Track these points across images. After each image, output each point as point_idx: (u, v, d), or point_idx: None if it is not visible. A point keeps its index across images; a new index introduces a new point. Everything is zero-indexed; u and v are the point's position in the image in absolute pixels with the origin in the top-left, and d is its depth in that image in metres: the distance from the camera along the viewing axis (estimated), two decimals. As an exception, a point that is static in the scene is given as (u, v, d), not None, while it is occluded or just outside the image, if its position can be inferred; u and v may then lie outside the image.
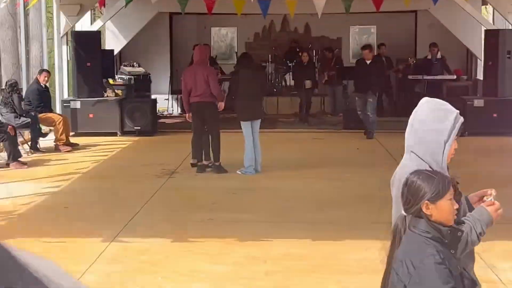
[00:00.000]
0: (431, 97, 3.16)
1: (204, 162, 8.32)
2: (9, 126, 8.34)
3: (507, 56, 10.70)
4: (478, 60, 12.99)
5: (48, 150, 9.53)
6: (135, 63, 13.49)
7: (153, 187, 7.41)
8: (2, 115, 9.15)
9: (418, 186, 1.97)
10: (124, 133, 10.80)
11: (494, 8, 12.74)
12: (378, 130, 10.53)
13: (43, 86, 9.84)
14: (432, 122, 2.27)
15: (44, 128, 10.02)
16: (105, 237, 5.37)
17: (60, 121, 9.49)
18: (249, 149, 8.15)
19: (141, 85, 13.00)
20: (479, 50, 12.43)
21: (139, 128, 10.82)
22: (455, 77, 12.52)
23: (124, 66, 13.49)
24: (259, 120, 8.36)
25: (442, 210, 1.99)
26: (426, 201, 1.97)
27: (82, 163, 8.86)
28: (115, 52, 13.38)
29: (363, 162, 8.64)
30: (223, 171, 8.13)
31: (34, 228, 5.81)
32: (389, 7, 11.14)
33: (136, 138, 10.74)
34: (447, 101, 2.58)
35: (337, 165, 8.52)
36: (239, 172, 8.12)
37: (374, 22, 13.82)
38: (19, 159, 8.42)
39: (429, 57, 12.35)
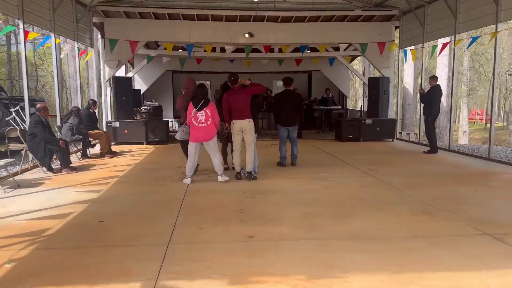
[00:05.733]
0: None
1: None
2: (61, 141, 8.37)
3: (383, 93, 13.12)
4: (347, 97, 17.18)
5: (96, 156, 10.30)
6: (153, 99, 17.22)
7: (180, 191, 6.50)
8: (61, 132, 9.78)
9: None
10: (148, 142, 12.55)
11: (372, 64, 14.36)
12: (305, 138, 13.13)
13: (92, 112, 10.99)
14: None
15: (93, 141, 10.88)
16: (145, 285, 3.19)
17: (103, 135, 10.61)
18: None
19: (156, 112, 15.82)
20: (347, 92, 16.73)
21: (157, 139, 12.68)
22: (340, 107, 15.72)
23: (146, 101, 16.73)
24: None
25: None
26: None
27: (119, 167, 8.74)
28: (141, 92, 16.30)
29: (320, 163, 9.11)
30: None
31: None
32: (301, 68, 16.49)
33: (156, 146, 12.20)
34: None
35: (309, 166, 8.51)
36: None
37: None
38: (70, 165, 8.52)
39: (325, 96, 15.64)
